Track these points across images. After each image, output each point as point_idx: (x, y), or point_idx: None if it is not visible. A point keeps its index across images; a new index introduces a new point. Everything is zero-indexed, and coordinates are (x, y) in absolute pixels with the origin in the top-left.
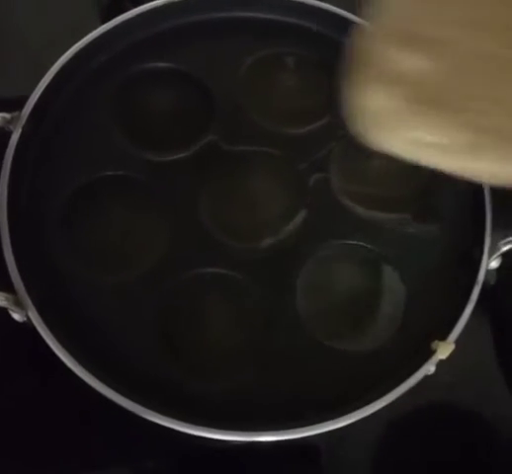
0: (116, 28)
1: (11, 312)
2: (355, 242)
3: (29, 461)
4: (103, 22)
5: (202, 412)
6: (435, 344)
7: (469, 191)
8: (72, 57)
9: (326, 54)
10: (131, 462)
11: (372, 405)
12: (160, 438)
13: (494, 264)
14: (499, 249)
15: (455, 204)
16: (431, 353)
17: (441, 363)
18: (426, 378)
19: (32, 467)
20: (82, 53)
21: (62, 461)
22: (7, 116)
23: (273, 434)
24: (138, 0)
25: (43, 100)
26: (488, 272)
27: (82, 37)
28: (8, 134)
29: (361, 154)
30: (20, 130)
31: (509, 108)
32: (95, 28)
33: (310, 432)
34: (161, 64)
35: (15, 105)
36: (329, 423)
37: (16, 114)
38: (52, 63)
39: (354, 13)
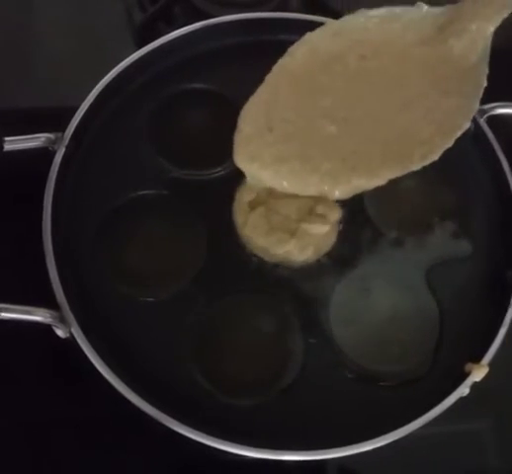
0: (153, 51)
1: (55, 328)
2: (389, 264)
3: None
4: (137, 42)
5: (229, 428)
6: (469, 366)
7: (501, 213)
8: (112, 80)
9: None
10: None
11: (405, 427)
12: (180, 449)
13: None
14: None
15: (487, 226)
16: (465, 375)
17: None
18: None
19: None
20: (121, 76)
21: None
22: (51, 136)
23: (300, 454)
24: (172, 20)
25: (85, 121)
26: None
27: (118, 58)
28: (52, 154)
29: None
30: (63, 150)
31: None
32: (129, 49)
33: (341, 453)
34: (196, 85)
35: (56, 125)
36: (362, 444)
37: (59, 134)
38: (92, 85)
39: None
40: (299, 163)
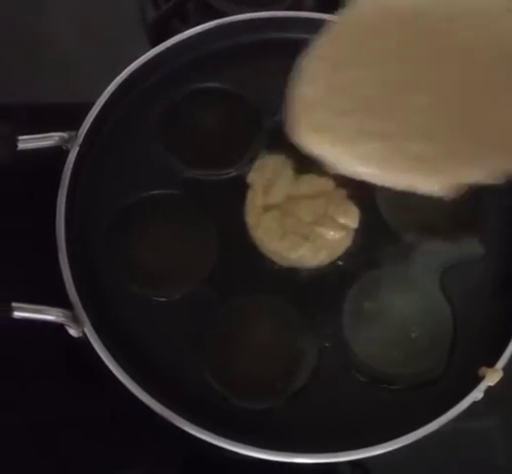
0: (167, 50)
1: (67, 328)
2: (402, 266)
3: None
4: (151, 40)
5: (239, 429)
6: (483, 370)
7: None
8: (126, 79)
9: None
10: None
11: (417, 432)
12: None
13: None
14: None
15: (500, 226)
16: (479, 379)
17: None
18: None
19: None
20: (135, 75)
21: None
22: (65, 135)
23: (311, 457)
24: (187, 18)
25: (98, 120)
26: None
27: (131, 56)
28: (65, 153)
29: None
30: (77, 149)
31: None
32: (143, 47)
33: (352, 456)
34: (210, 84)
35: (69, 124)
36: (373, 448)
37: (73, 133)
38: (105, 83)
39: None
40: (390, 140)
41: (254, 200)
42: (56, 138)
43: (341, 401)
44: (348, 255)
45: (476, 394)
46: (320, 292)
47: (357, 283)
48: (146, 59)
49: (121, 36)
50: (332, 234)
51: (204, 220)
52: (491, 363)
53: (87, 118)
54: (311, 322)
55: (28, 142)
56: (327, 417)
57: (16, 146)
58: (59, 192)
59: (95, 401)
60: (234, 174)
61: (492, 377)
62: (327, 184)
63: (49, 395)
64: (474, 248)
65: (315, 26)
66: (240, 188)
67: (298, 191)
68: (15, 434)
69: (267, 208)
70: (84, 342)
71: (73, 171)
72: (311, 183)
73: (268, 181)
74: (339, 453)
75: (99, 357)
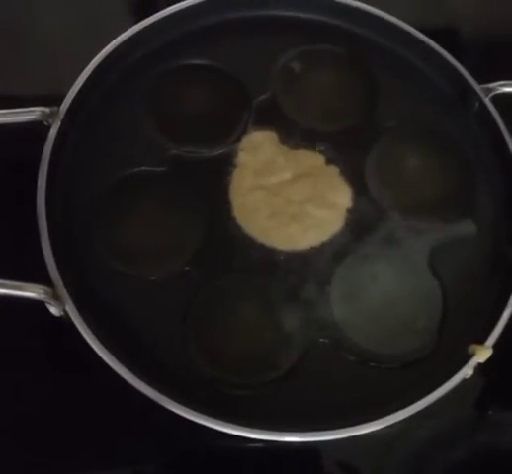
0: (152, 25)
1: (48, 306)
2: (392, 245)
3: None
4: (136, 15)
5: (225, 409)
6: (472, 347)
7: (506, 192)
8: (109, 54)
9: (358, 52)
10: (152, 459)
11: (406, 409)
12: (180, 434)
13: None
14: None
15: (491, 206)
16: (469, 356)
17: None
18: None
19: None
20: (119, 50)
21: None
22: (47, 110)
23: (299, 436)
24: None
25: (81, 95)
26: None
27: (115, 33)
28: (47, 128)
29: (396, 156)
30: (59, 125)
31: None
32: (128, 24)
33: (340, 435)
34: (196, 61)
35: (53, 99)
36: (363, 426)
37: (55, 108)
38: (89, 59)
39: (386, 12)
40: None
41: (242, 180)
42: (38, 112)
43: (330, 380)
44: (337, 234)
45: (466, 371)
46: (308, 272)
47: (345, 263)
48: (131, 35)
49: (106, 10)
50: (322, 214)
51: (190, 198)
52: (481, 341)
53: (69, 93)
54: (299, 302)
55: (8, 116)
56: (316, 396)
57: None
58: (40, 168)
59: (77, 383)
60: (222, 151)
61: (482, 354)
62: (317, 160)
63: (30, 377)
64: (465, 227)
65: (303, 3)
66: (228, 166)
67: (288, 170)
68: None
69: (254, 188)
70: (66, 321)
71: (55, 147)
72: (301, 160)
73: (260, 162)
74: (327, 432)
75: (81, 337)
